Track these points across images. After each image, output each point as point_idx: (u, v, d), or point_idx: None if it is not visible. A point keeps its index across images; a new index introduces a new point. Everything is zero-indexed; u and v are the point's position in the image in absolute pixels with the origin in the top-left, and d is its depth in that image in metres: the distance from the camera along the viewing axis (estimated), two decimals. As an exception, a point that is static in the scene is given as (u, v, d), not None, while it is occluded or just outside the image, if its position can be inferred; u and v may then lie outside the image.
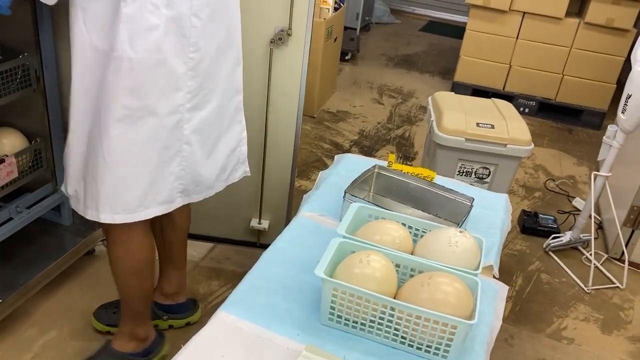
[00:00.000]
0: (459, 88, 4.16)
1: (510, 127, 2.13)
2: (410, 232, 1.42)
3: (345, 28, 4.82)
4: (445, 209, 1.67)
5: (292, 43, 1.79)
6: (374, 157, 3.27)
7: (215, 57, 1.36)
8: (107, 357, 1.64)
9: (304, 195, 1.77)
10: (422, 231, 1.42)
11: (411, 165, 3.19)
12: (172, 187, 1.41)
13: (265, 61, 1.81)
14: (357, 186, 1.68)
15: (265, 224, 2.11)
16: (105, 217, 1.37)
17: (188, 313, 1.89)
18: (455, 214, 1.62)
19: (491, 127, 2.13)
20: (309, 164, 3.07)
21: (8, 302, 1.72)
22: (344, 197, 1.56)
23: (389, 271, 1.21)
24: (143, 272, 1.54)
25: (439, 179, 1.87)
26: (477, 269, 1.27)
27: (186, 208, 1.71)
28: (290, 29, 1.77)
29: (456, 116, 2.16)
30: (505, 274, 2.40)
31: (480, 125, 2.13)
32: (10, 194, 1.75)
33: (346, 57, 4.73)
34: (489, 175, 2.20)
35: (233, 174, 1.59)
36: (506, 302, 2.25)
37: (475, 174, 2.20)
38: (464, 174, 2.20)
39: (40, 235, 1.96)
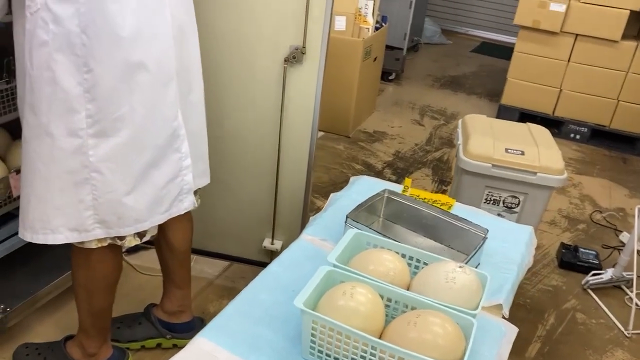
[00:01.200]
0: (506, 111, 4.00)
1: (542, 154, 1.99)
2: (410, 264, 1.32)
3: (392, 48, 4.77)
4: (458, 240, 1.56)
5: (307, 61, 1.74)
6: (408, 179, 3.16)
7: (120, 79, 1.27)
8: (57, 352, 1.65)
9: (310, 217, 1.70)
10: (423, 263, 1.32)
11: (446, 191, 3.08)
12: (84, 215, 1.35)
13: (279, 80, 1.77)
14: (365, 211, 1.60)
15: (277, 244, 2.05)
16: (20, 232, 1.39)
17: (194, 332, 1.84)
18: (469, 245, 1.51)
19: (521, 154, 1.99)
20: (337, 184, 3.00)
21: (16, 312, 1.73)
22: (345, 221, 1.49)
23: (374, 306, 1.12)
24: (92, 291, 1.52)
25: (460, 208, 1.76)
26: (475, 308, 1.16)
27: (182, 230, 1.67)
28: (305, 48, 1.72)
29: (484, 140, 2.04)
30: (536, 312, 2.23)
31: (509, 151, 2.00)
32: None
33: (390, 77, 4.66)
34: (518, 204, 2.06)
35: (176, 205, 1.48)
36: (534, 342, 2.11)
37: (503, 203, 2.07)
38: (492, 202, 2.07)
39: (51, 246, 1.98)
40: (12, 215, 1.82)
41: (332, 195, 1.81)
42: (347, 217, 1.48)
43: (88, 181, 1.32)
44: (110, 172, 1.33)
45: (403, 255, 1.33)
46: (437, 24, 6.04)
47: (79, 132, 1.28)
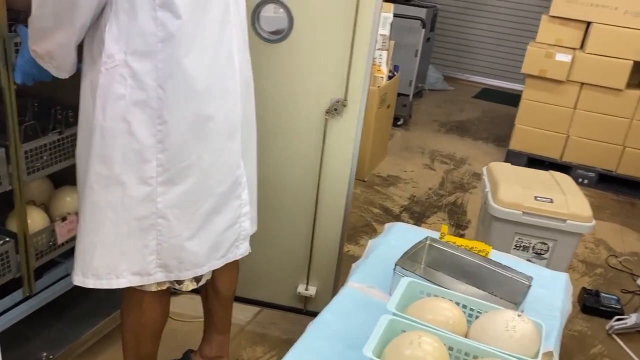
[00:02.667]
0: (514, 156, 4.09)
1: (570, 201, 2.05)
2: (464, 312, 1.36)
3: (398, 94, 4.89)
4: (501, 287, 1.60)
5: (346, 113, 1.82)
6: (425, 223, 3.22)
7: (190, 130, 1.34)
8: None
9: (352, 265, 1.74)
10: (477, 312, 1.36)
11: (463, 235, 3.13)
12: (147, 260, 1.39)
13: (320, 130, 1.84)
14: (409, 258, 1.64)
15: (312, 290, 2.08)
16: (77, 280, 1.41)
17: (230, 379, 1.85)
18: (512, 293, 1.55)
19: (550, 202, 2.05)
20: (357, 228, 3.04)
21: (58, 359, 1.73)
22: (394, 269, 1.52)
23: (441, 355, 1.15)
24: (142, 336, 1.55)
25: (494, 254, 1.80)
26: (535, 356, 1.19)
27: (229, 276, 1.71)
28: (346, 100, 1.79)
29: (513, 188, 2.10)
30: (564, 358, 2.25)
31: (538, 198, 2.07)
32: (70, 250, 1.80)
33: (398, 123, 4.76)
34: (547, 251, 2.10)
35: (233, 251, 1.53)
36: (566, 389, 2.12)
37: (533, 249, 2.11)
38: (521, 248, 2.12)
39: (92, 291, 1.99)
40: (55, 262, 1.84)
41: (370, 241, 1.84)
42: (396, 265, 1.52)
43: (154, 227, 1.36)
44: (176, 218, 1.37)
45: (457, 303, 1.36)
46: (440, 71, 6.22)
47: (150, 180, 1.33)
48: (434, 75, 6.04)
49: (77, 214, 1.78)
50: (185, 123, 1.33)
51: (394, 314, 1.27)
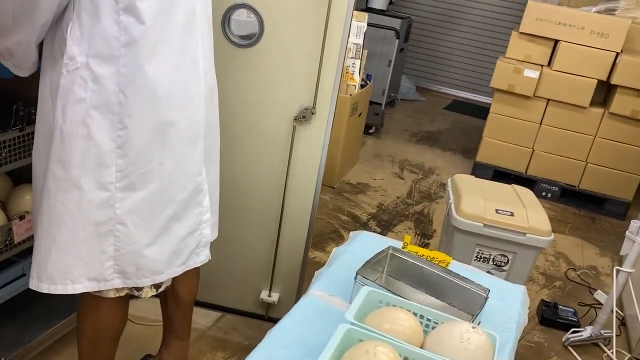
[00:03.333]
0: (481, 168, 4.16)
1: (530, 215, 2.10)
2: (422, 322, 1.37)
3: (371, 103, 4.93)
4: (459, 298, 1.62)
5: (315, 120, 1.82)
6: (392, 232, 3.25)
7: (151, 136, 1.32)
8: None
9: (315, 272, 1.74)
10: (434, 322, 1.37)
11: (428, 244, 3.17)
12: (105, 266, 1.37)
13: (287, 137, 1.84)
14: (370, 267, 1.65)
15: (275, 296, 2.07)
16: (33, 284, 1.37)
17: (189, 385, 1.84)
18: (470, 304, 1.58)
19: (510, 215, 2.10)
20: (324, 234, 3.05)
21: (9, 361, 1.69)
22: (355, 278, 1.54)
23: (396, 365, 1.16)
24: (98, 342, 1.53)
25: (455, 265, 1.83)
26: (489, 368, 1.21)
27: (190, 282, 1.69)
28: (315, 108, 1.80)
29: (475, 200, 2.14)
30: (521, 368, 2.30)
31: (499, 211, 2.11)
32: (28, 249, 1.76)
33: (370, 131, 4.80)
34: (507, 263, 2.15)
35: (193, 258, 1.51)
36: (519, 400, 2.15)
37: (493, 261, 2.15)
38: (482, 259, 2.16)
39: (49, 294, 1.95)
40: (11, 262, 1.80)
41: (334, 249, 1.85)
42: (357, 273, 1.53)
43: (112, 233, 1.34)
44: (134, 224, 1.35)
45: (414, 314, 1.38)
46: (412, 82, 6.29)
47: (108, 185, 1.30)
48: (406, 85, 6.11)
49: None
50: (146, 129, 1.31)
51: (352, 324, 1.28)
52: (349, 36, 1.76)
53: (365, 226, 3.24)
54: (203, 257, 1.55)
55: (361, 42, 3.66)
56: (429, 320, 1.38)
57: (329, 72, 1.76)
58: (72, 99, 1.25)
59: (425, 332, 1.35)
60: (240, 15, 1.80)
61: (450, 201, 2.23)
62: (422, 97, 6.30)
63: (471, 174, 4.12)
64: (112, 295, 1.44)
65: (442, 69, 6.57)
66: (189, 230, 1.48)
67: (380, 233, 3.17)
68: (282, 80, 1.79)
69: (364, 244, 1.84)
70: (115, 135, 1.28)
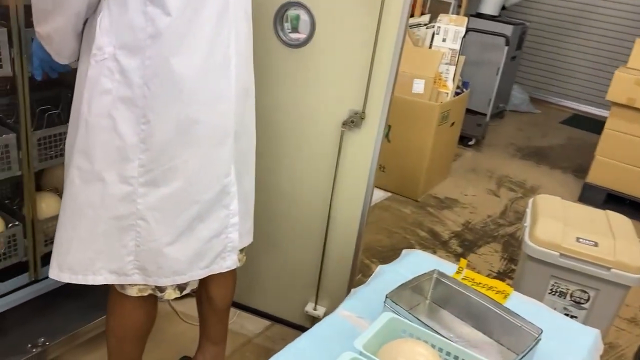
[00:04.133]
0: (591, 190, 3.73)
1: (618, 247, 1.80)
2: (446, 360, 1.20)
3: (474, 113, 4.65)
4: (509, 336, 1.41)
5: (365, 126, 1.70)
6: (475, 253, 2.99)
7: (175, 133, 1.28)
8: None
9: (352, 289, 1.61)
10: (461, 361, 1.19)
11: (514, 271, 2.87)
12: (125, 260, 1.35)
13: (335, 143, 1.74)
14: (410, 290, 1.49)
15: (321, 310, 1.97)
16: (52, 273, 1.37)
17: (224, 391, 1.79)
18: (522, 344, 1.36)
19: (594, 245, 1.81)
20: (397, 250, 2.86)
21: (55, 346, 1.76)
22: (384, 302, 1.39)
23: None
24: (123, 339, 1.53)
25: (518, 298, 1.61)
26: None
27: (225, 286, 1.64)
28: (364, 112, 1.68)
29: (553, 225, 1.88)
30: None
31: (580, 240, 1.83)
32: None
33: (469, 143, 4.52)
34: (587, 300, 1.85)
35: (218, 262, 1.45)
36: None
37: (570, 297, 1.87)
38: (557, 294, 1.88)
39: (94, 286, 2.01)
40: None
41: (379, 267, 1.71)
42: (386, 297, 1.38)
43: (133, 227, 1.33)
44: (156, 221, 1.33)
45: (440, 349, 1.21)
46: (526, 92, 5.84)
47: (131, 179, 1.29)
48: (519, 95, 5.69)
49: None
50: (169, 124, 1.28)
51: (361, 353, 1.14)
52: (404, 38, 1.61)
53: (445, 245, 3.02)
54: (229, 262, 1.49)
55: (458, 48, 3.43)
56: (455, 358, 1.20)
57: (381, 74, 1.63)
58: (98, 90, 1.25)
59: (449, 374, 1.17)
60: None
61: (525, 224, 1.98)
62: (537, 110, 5.82)
63: (579, 197, 3.74)
64: (135, 293, 1.43)
65: (561, 80, 6.03)
66: (213, 233, 1.43)
67: (462, 254, 2.93)
68: (331, 82, 1.70)
69: (413, 265, 1.68)
70: (138, 129, 1.26)
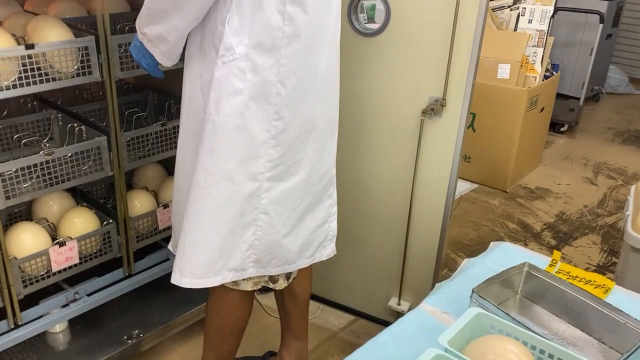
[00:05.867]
0: (703, 175, 3.39)
1: None
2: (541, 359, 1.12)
3: (566, 97, 4.38)
4: (612, 334, 1.30)
5: (446, 113, 1.63)
6: (571, 246, 2.81)
7: (303, 127, 1.30)
8: None
9: (437, 284, 1.56)
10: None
11: (615, 264, 2.66)
12: (245, 255, 1.37)
13: (415, 132, 1.68)
14: (499, 284, 1.41)
15: (405, 305, 1.92)
16: (174, 278, 1.37)
17: (310, 385, 1.79)
18: (626, 342, 1.25)
19: None
20: (485, 244, 2.74)
21: (149, 338, 1.83)
22: (471, 296, 1.32)
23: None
24: (226, 334, 1.55)
25: (620, 292, 1.48)
26: None
27: (305, 278, 1.64)
28: (445, 100, 1.61)
29: (660, 214, 1.71)
30: None
31: (693, 229, 1.65)
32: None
33: (561, 129, 4.26)
34: (703, 296, 1.67)
35: (320, 251, 1.49)
36: None
37: (683, 292, 1.70)
38: (667, 288, 1.71)
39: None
40: (159, 246, 1.95)
41: (465, 260, 1.64)
42: (473, 291, 1.32)
43: (255, 222, 1.35)
44: (277, 214, 1.36)
45: (533, 347, 1.13)
46: (625, 72, 5.43)
47: (258, 176, 1.31)
48: (616, 77, 5.30)
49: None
50: (300, 120, 1.31)
51: (446, 349, 1.09)
52: (484, 21, 1.52)
53: (536, 237, 2.86)
54: (329, 250, 1.54)
55: (545, 28, 3.24)
56: (551, 357, 1.12)
57: (461, 59, 1.56)
58: (228, 91, 1.24)
59: (544, 373, 1.09)
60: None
61: (627, 213, 1.82)
62: (637, 91, 5.39)
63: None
64: (250, 287, 1.47)
65: (665, 57, 5.54)
66: (319, 222, 1.47)
67: (556, 247, 2.76)
68: (409, 69, 1.64)
69: (501, 259, 1.59)
70: (269, 125, 1.28)
